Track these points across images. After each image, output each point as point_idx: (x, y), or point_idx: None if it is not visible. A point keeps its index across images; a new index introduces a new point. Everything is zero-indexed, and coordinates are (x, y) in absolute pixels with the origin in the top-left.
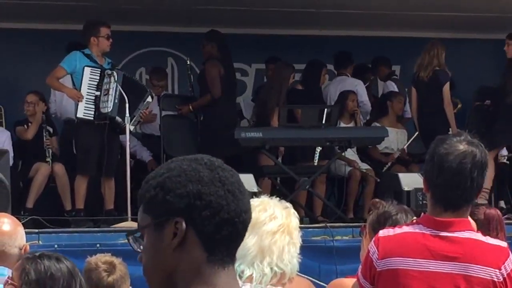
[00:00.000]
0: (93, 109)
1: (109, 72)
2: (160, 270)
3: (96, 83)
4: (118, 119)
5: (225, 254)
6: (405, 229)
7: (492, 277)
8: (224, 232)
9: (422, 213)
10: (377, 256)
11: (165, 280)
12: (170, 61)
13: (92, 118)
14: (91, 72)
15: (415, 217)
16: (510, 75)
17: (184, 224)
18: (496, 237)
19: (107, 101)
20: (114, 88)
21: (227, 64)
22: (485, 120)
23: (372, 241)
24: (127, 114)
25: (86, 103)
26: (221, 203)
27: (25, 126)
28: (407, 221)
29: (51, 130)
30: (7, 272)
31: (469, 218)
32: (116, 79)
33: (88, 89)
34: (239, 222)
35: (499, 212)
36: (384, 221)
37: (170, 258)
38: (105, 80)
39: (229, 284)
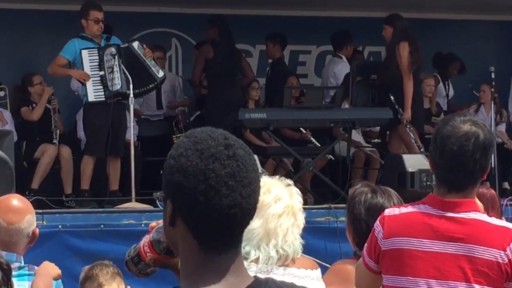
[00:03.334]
0: (102, 90)
1: (108, 52)
2: (167, 237)
3: (97, 63)
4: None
5: (216, 243)
6: (411, 208)
7: (497, 259)
8: (207, 225)
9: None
10: (382, 235)
11: (174, 246)
12: (174, 42)
13: (104, 99)
14: (88, 53)
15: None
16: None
17: (171, 208)
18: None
19: (115, 78)
20: (117, 64)
21: (228, 48)
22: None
23: (378, 220)
24: (131, 95)
25: (93, 85)
26: (199, 198)
27: (30, 107)
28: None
29: (57, 108)
30: (15, 258)
31: (476, 200)
32: (114, 55)
33: (91, 70)
34: (222, 217)
35: (492, 191)
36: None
37: (171, 232)
38: (106, 58)
39: (228, 268)
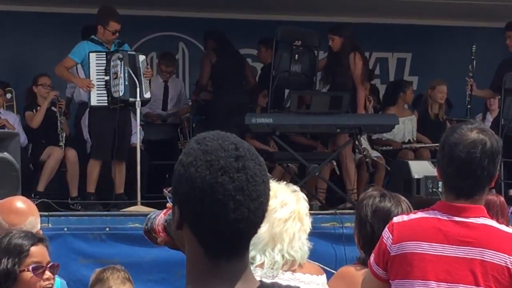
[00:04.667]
0: (106, 95)
1: (115, 57)
2: (175, 237)
3: (103, 68)
4: (132, 100)
5: (222, 251)
6: (420, 214)
7: (507, 264)
8: (212, 236)
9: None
10: (391, 241)
11: (181, 246)
12: (181, 46)
13: (106, 104)
14: (96, 57)
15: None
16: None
17: (178, 214)
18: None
19: (118, 84)
20: (122, 70)
21: (228, 53)
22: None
23: (386, 227)
24: (138, 99)
25: (97, 90)
26: (205, 210)
27: (34, 111)
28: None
29: (63, 110)
30: None
31: None
32: (121, 59)
33: (97, 75)
34: (228, 230)
35: (501, 199)
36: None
37: (178, 234)
38: (113, 63)
39: (234, 274)
